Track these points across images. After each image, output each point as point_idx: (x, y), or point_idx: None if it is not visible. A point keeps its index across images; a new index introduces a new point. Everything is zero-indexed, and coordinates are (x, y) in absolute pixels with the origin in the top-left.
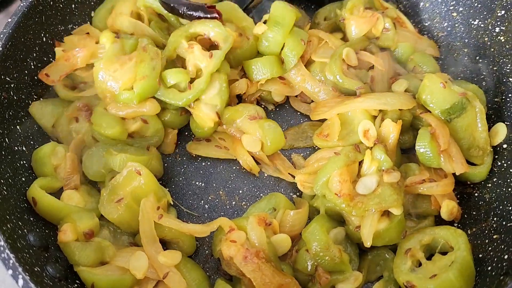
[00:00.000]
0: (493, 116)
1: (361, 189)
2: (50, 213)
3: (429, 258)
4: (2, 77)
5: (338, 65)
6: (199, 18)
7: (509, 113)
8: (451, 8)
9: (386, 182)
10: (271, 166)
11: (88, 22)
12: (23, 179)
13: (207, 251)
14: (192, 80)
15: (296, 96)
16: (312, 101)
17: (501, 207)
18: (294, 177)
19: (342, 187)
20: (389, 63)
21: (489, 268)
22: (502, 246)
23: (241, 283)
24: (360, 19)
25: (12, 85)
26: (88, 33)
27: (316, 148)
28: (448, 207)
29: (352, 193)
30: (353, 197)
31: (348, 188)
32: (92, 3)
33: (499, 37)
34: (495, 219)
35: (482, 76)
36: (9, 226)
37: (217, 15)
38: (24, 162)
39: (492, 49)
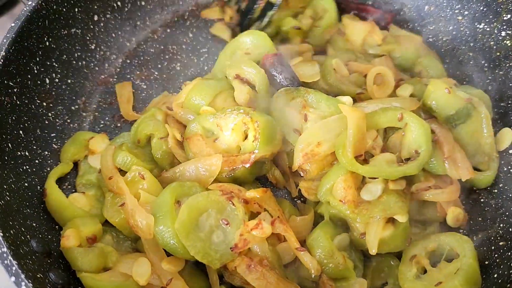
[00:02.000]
0: (499, 121)
1: (366, 195)
2: (55, 209)
3: (434, 265)
4: (5, 81)
5: (332, 76)
6: None
7: None
8: (456, 11)
9: (392, 189)
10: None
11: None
12: (26, 184)
13: None
14: None
15: None
16: None
17: (507, 213)
18: (297, 185)
19: (347, 194)
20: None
21: (495, 275)
22: (509, 253)
23: None
24: None
25: (15, 90)
26: None
27: None
28: (454, 214)
29: (356, 200)
30: (358, 204)
31: (353, 195)
32: (95, 7)
33: (505, 41)
34: (501, 225)
35: (488, 81)
36: (12, 232)
37: None
38: (27, 167)
39: (498, 53)
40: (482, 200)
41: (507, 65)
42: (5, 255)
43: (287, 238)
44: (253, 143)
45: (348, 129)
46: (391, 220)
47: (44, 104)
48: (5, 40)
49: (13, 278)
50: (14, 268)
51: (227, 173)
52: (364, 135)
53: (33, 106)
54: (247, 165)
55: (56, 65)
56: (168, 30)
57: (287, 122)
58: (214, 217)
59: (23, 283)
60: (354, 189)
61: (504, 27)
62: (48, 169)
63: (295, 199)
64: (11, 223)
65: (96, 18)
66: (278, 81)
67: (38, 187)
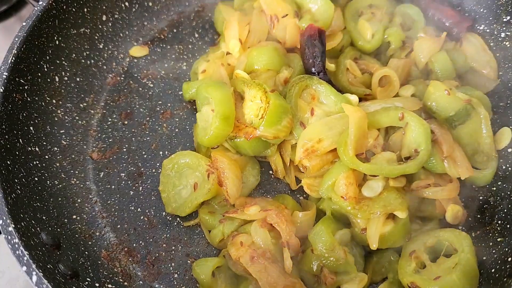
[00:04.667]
0: (498, 121)
1: (367, 192)
2: None
3: (433, 260)
4: (17, 79)
5: (344, 76)
6: None
7: None
8: None
9: (392, 186)
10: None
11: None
12: (36, 178)
13: (214, 252)
14: None
15: None
16: None
17: (505, 210)
18: (300, 180)
19: (348, 190)
20: (403, 70)
21: (493, 270)
22: (506, 249)
23: (247, 281)
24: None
25: (26, 87)
26: None
27: None
28: (453, 211)
29: (358, 196)
30: (359, 200)
31: (354, 191)
32: (104, 7)
33: (504, 43)
34: (499, 222)
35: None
36: (23, 224)
37: None
38: (37, 162)
39: (498, 54)
40: (481, 197)
41: (506, 65)
42: (16, 245)
43: (280, 230)
44: (259, 121)
45: (349, 128)
46: (391, 216)
47: (54, 101)
48: (16, 39)
49: (24, 268)
50: (25, 258)
51: (230, 137)
52: (365, 134)
53: (43, 103)
54: (248, 138)
55: (66, 64)
56: (175, 30)
57: (296, 113)
58: None
59: (34, 273)
60: (355, 186)
61: (504, 28)
62: (57, 164)
63: (298, 195)
64: (22, 215)
65: (104, 18)
66: (308, 52)
67: (48, 181)
